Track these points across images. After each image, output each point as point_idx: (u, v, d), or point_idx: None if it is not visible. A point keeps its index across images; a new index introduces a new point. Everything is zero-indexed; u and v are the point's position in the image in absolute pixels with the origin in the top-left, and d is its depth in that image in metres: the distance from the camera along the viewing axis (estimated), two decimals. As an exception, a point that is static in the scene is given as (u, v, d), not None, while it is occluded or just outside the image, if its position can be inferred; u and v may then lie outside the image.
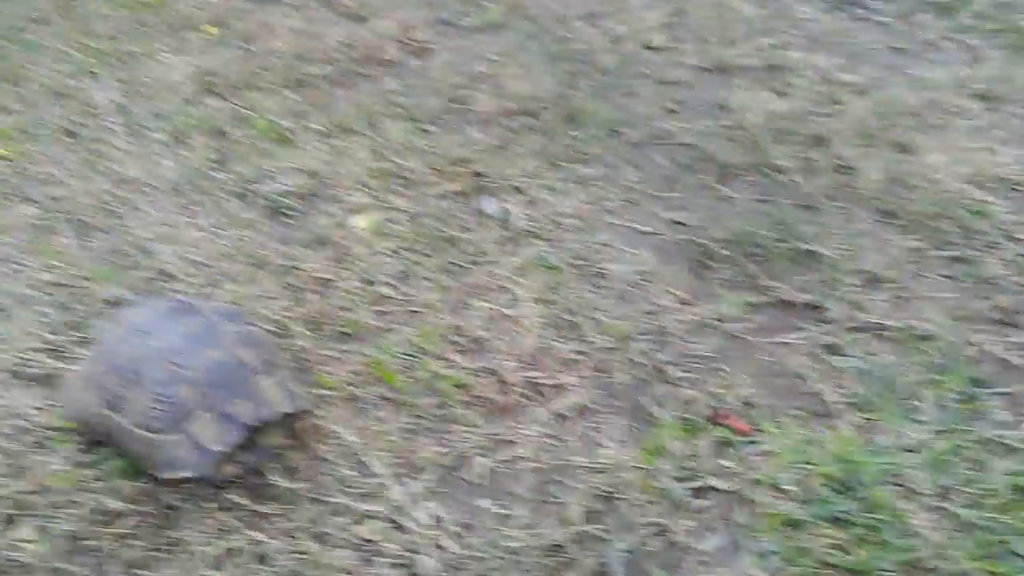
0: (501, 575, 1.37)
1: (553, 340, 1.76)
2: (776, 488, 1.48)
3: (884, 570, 1.35)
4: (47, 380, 1.71)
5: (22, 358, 1.74)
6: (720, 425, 1.59)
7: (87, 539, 1.43)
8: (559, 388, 1.68)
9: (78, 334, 1.79)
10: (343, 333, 1.80)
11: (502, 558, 1.40)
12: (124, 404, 1.47)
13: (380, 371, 1.69)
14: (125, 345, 1.50)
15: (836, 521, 1.42)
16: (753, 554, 1.39)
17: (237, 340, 1.53)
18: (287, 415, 1.52)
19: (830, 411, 1.62)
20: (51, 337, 1.79)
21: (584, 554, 1.41)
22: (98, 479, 1.51)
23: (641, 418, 1.63)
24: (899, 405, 1.61)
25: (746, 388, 1.66)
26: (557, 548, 1.42)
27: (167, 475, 1.45)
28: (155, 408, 1.45)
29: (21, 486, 1.50)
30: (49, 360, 1.74)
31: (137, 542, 1.43)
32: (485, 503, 1.49)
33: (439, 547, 1.42)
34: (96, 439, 1.55)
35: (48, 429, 1.60)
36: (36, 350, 1.76)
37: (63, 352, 1.76)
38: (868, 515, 1.42)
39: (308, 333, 1.78)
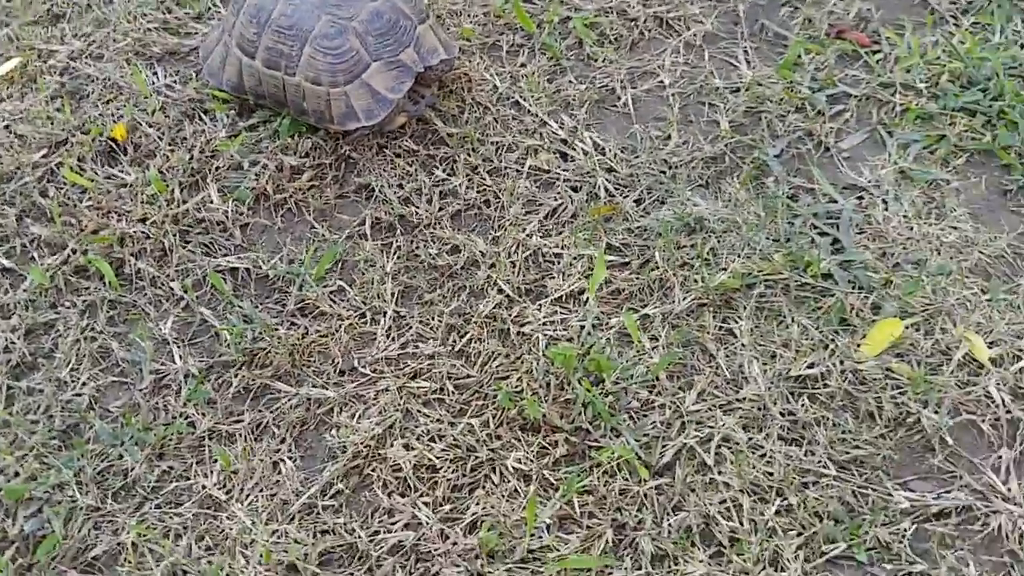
0: (669, 186, 1.52)
1: (668, -24, 1.81)
2: (907, 88, 1.62)
3: (1010, 146, 1.53)
4: (172, 56, 1.72)
5: (140, 39, 1.74)
6: (842, 39, 1.69)
7: (273, 194, 1.53)
8: (685, 19, 1.75)
9: (191, 10, 1.78)
10: (455, -13, 1.82)
11: (665, 171, 1.54)
12: (291, 62, 1.51)
13: (509, 16, 1.74)
14: (274, 3, 1.51)
15: (966, 111, 1.58)
16: (897, 145, 1.54)
17: (389, -11, 1.55)
18: (444, 61, 1.57)
19: (944, 18, 1.73)
20: (162, 16, 1.77)
21: (741, 161, 1.55)
22: (268, 139, 1.58)
23: (767, 39, 1.73)
24: (1009, 8, 1.72)
25: (862, 1, 1.76)
26: (714, 159, 1.56)
27: (349, 127, 1.52)
28: (329, 63, 1.49)
29: (195, 154, 1.57)
30: (171, 37, 1.74)
31: (324, 192, 1.53)
32: (639, 129, 1.61)
33: (609, 170, 1.55)
34: (258, 103, 1.60)
35: (195, 101, 1.64)
36: (152, 29, 1.75)
37: (181, 28, 1.76)
38: (995, 102, 1.57)
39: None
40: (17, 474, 1.25)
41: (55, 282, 1.43)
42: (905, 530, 1.15)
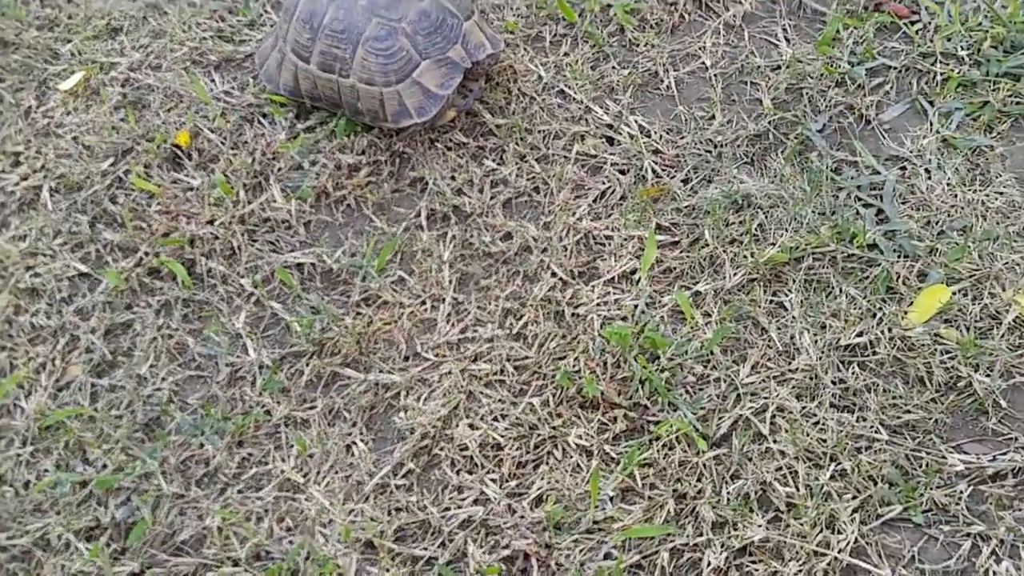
0: (715, 165, 1.55)
1: (705, -42, 1.84)
2: (947, 56, 1.63)
3: (1056, 110, 1.54)
4: (229, 64, 1.79)
5: (196, 48, 1.81)
6: (880, 11, 1.71)
7: (333, 191, 1.59)
8: (724, 1, 1.77)
9: (244, 17, 1.85)
10: (497, -19, 1.86)
11: (711, 151, 1.58)
12: (345, 65, 1.56)
13: (551, 7, 1.78)
14: (325, 8, 1.57)
15: (1010, 76, 1.58)
16: (938, 114, 1.56)
17: (434, -12, 1.60)
18: (491, 55, 1.62)
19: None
20: (216, 24, 1.85)
21: (785, 137, 1.58)
22: (325, 139, 1.64)
23: (805, 16, 1.75)
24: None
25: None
26: (758, 136, 1.59)
27: (403, 124, 1.58)
28: (381, 63, 1.54)
29: (256, 157, 1.63)
30: (226, 45, 1.81)
31: (380, 187, 1.59)
32: (683, 110, 1.64)
33: (656, 151, 1.58)
34: (314, 105, 1.66)
35: (253, 106, 1.71)
36: (207, 38, 1.83)
37: (236, 35, 1.83)
38: (1039, 65, 1.59)
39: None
40: (105, 466, 1.33)
41: (130, 284, 1.51)
42: (961, 492, 1.18)
